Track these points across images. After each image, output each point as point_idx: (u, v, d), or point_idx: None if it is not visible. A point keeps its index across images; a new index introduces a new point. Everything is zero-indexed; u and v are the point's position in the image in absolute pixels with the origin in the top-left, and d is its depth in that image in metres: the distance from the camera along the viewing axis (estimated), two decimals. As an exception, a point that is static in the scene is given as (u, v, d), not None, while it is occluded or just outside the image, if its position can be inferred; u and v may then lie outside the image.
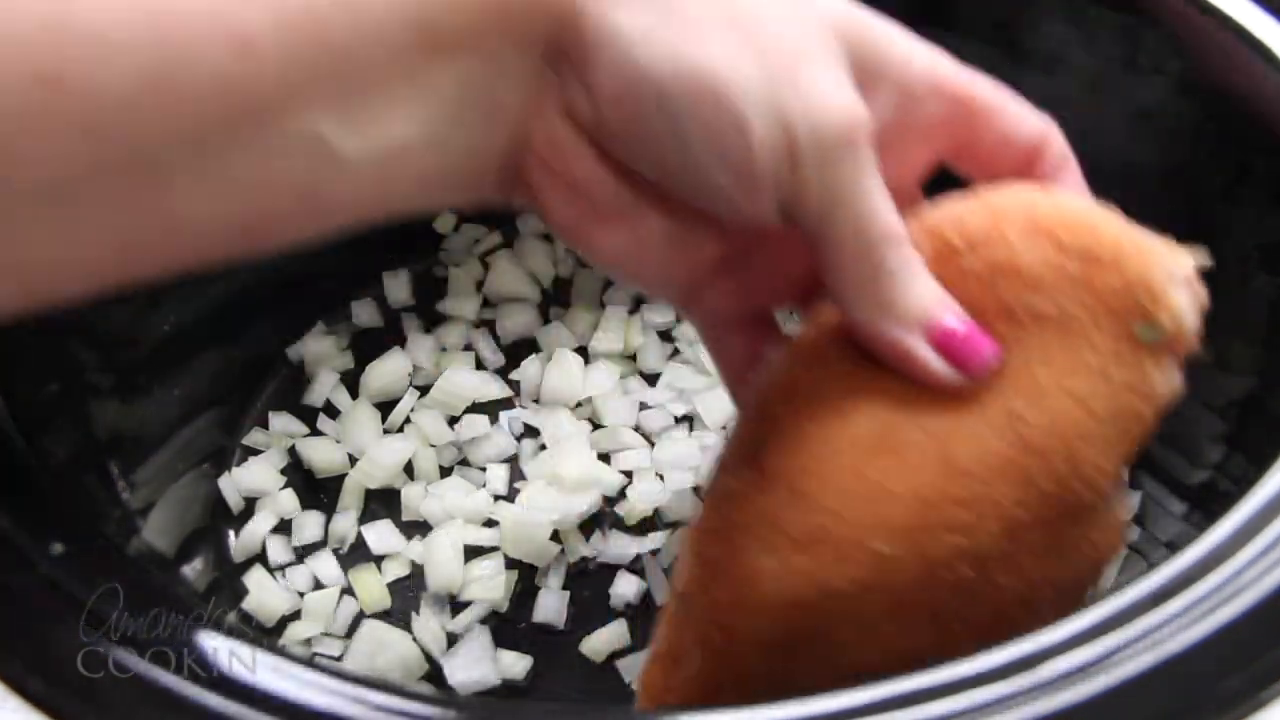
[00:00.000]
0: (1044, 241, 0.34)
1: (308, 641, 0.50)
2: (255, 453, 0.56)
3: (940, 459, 0.33)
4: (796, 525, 0.32)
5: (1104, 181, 0.53)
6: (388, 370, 0.58)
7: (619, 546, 0.52)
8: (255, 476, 0.54)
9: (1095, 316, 0.34)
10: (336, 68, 0.27)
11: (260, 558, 0.53)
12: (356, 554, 0.53)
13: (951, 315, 0.32)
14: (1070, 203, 0.36)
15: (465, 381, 0.57)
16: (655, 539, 0.52)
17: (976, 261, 0.34)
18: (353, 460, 0.55)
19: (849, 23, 0.31)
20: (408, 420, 0.56)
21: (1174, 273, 0.35)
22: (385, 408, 0.57)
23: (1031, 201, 0.35)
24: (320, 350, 0.59)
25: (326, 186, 0.28)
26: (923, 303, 0.31)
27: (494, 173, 0.32)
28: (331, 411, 0.57)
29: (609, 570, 0.52)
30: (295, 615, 0.51)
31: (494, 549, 0.52)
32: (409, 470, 0.55)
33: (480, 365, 0.59)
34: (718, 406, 0.55)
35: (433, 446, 0.55)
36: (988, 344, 0.32)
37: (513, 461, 0.55)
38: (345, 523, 0.53)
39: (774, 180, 0.29)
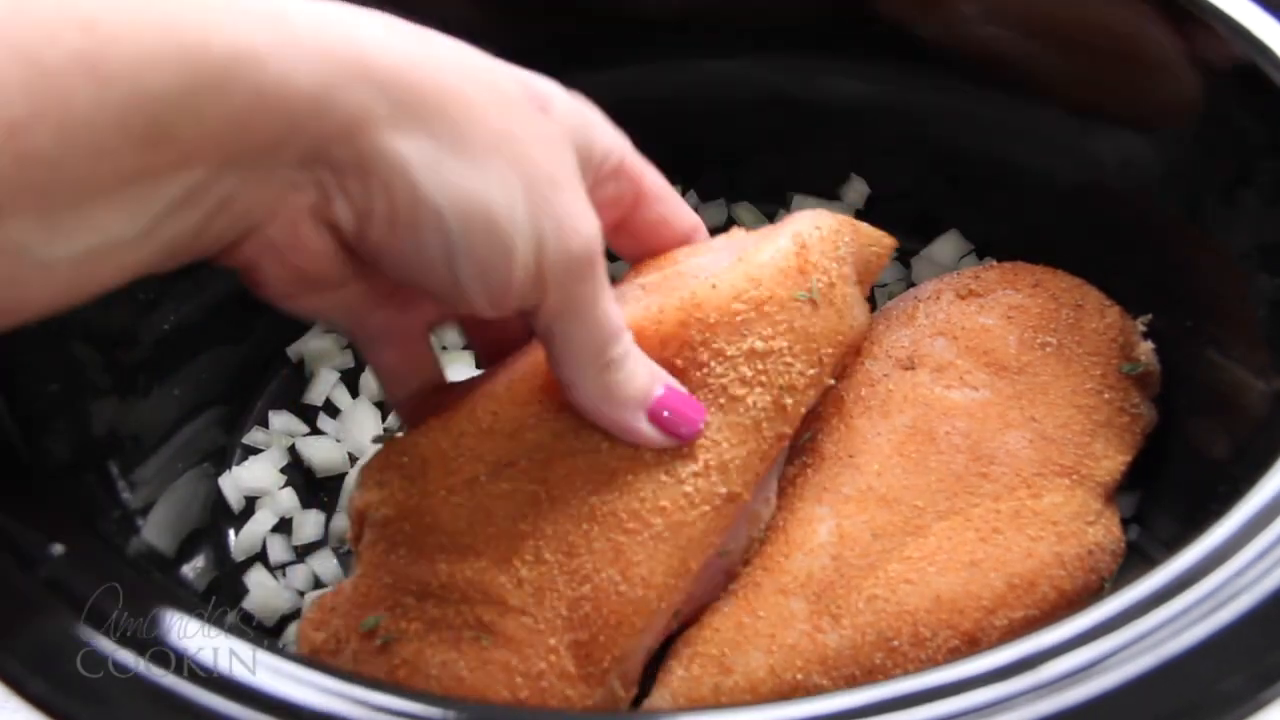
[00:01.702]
0: (1043, 294, 0.47)
1: (308, 641, 0.50)
2: (255, 452, 0.56)
3: (970, 449, 0.43)
4: (849, 484, 0.43)
5: (1104, 181, 0.53)
6: (388, 369, 0.57)
7: (619, 546, 0.52)
8: (255, 475, 0.54)
9: (1087, 351, 0.46)
10: (41, 179, 0.25)
11: (260, 557, 0.53)
12: (357, 553, 0.53)
13: (661, 385, 0.37)
14: (1062, 274, 0.49)
15: (465, 381, 0.57)
16: (655, 538, 0.52)
17: (995, 303, 0.47)
18: (353, 459, 0.55)
19: (579, 129, 0.36)
20: (408, 419, 0.56)
21: (1138, 325, 0.47)
22: (385, 407, 0.57)
23: (1034, 268, 0.49)
24: (320, 349, 0.59)
25: (19, 289, 0.27)
26: (641, 384, 0.37)
27: (201, 251, 0.31)
28: (331, 410, 0.57)
29: (609, 570, 0.51)
30: (295, 615, 0.51)
31: (494, 548, 0.52)
32: (409, 469, 0.55)
33: (480, 364, 0.59)
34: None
35: (433, 446, 0.55)
36: (696, 410, 0.38)
37: (513, 461, 0.55)
38: (345, 522, 0.53)
39: (521, 292, 0.33)
